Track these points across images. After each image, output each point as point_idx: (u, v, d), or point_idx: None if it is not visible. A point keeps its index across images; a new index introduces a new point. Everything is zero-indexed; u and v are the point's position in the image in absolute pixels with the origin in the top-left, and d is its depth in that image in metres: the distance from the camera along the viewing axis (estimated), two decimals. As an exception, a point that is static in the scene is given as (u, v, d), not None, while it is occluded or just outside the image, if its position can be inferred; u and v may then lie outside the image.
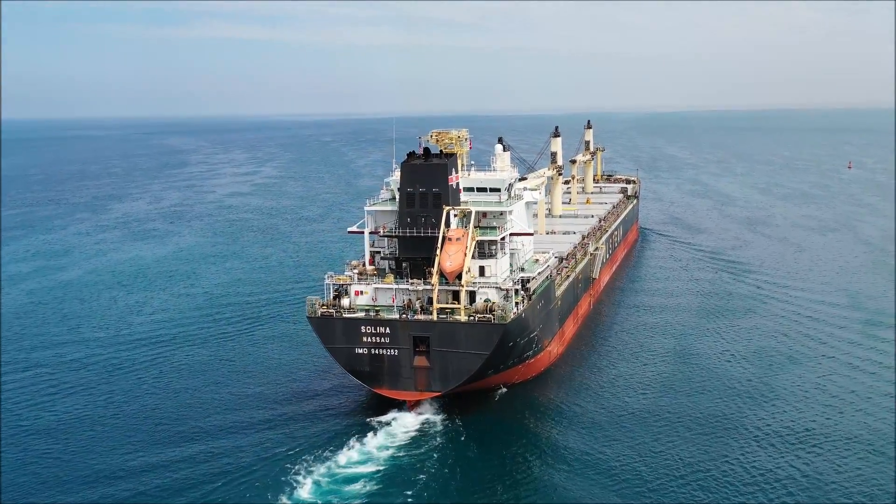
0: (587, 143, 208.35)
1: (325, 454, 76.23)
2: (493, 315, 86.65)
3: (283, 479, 71.75)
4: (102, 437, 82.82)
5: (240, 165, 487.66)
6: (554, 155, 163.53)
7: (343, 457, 75.89)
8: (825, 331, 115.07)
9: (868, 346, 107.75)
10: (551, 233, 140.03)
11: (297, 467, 73.70)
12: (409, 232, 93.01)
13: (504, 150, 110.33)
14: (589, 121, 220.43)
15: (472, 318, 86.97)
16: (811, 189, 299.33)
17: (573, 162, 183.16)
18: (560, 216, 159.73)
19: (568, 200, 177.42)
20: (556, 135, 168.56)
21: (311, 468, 73.54)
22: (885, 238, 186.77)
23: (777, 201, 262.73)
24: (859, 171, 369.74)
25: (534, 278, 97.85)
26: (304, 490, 70.01)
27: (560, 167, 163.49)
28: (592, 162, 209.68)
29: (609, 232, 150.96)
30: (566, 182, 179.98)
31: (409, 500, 69.35)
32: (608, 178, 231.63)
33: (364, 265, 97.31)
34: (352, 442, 78.95)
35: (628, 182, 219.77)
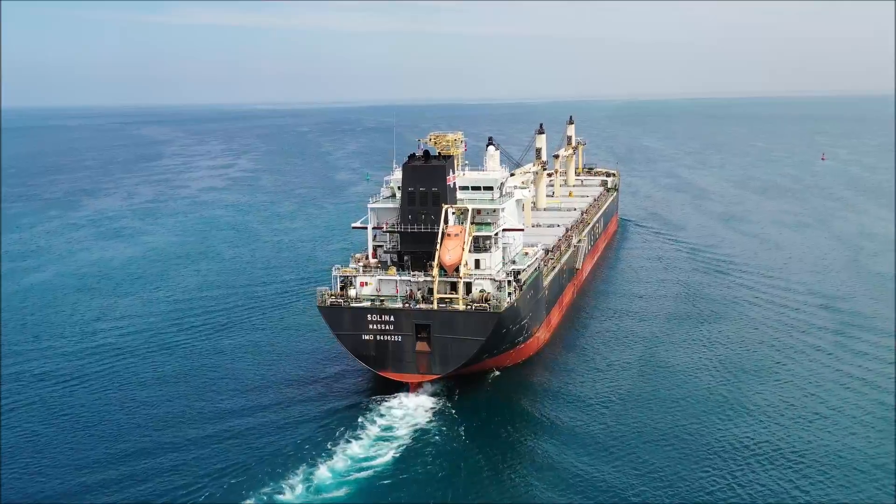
0: (569, 138, 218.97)
1: (334, 433, 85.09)
2: (489, 304, 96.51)
3: (295, 457, 79.86)
4: (112, 420, 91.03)
5: (215, 157, 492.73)
6: (539, 151, 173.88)
7: (351, 435, 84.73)
8: (794, 318, 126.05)
9: (834, 331, 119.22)
10: (536, 226, 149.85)
11: (308, 446, 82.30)
12: (411, 228, 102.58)
13: (495, 150, 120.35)
14: (571, 116, 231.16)
15: (469, 307, 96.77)
16: (786, 182, 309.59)
17: (556, 157, 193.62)
18: (545, 209, 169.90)
19: (551, 193, 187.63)
20: (541, 131, 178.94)
21: (322, 446, 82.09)
22: (860, 235, 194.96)
23: (752, 195, 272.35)
24: (832, 163, 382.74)
25: (524, 270, 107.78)
26: (315, 468, 77.91)
27: (544, 163, 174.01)
28: (574, 156, 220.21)
29: (591, 224, 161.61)
30: (549, 175, 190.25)
31: (413, 474, 77.99)
32: (589, 170, 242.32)
33: (367, 258, 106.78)
34: (359, 421, 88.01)
35: (608, 175, 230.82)
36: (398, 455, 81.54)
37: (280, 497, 73.42)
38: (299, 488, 74.81)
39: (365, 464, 79.51)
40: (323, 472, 77.49)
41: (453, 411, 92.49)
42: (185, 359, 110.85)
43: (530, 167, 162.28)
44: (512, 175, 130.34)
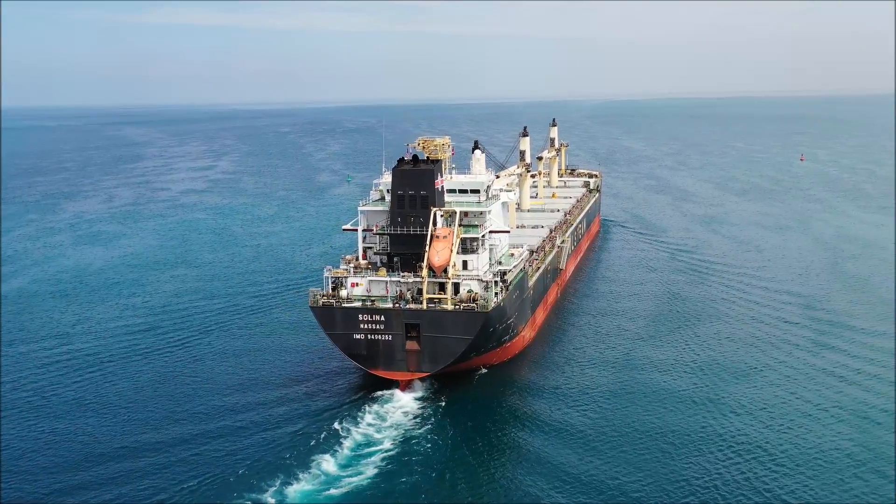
0: (552, 140, 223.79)
1: (327, 430, 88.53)
2: (476, 304, 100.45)
3: (286, 453, 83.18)
4: (108, 419, 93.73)
5: (196, 159, 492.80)
6: (523, 153, 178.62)
7: (343, 432, 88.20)
8: (771, 315, 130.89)
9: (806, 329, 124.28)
10: (521, 227, 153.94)
11: (300, 443, 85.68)
12: (401, 230, 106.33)
13: (481, 153, 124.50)
14: (554, 119, 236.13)
15: (457, 306, 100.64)
16: (766, 183, 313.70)
17: (540, 159, 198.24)
18: (529, 210, 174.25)
19: (535, 195, 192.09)
20: (525, 134, 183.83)
21: (314, 443, 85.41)
22: (839, 237, 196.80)
23: (732, 196, 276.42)
24: (811, 164, 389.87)
25: (510, 271, 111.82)
26: (307, 464, 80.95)
27: (528, 165, 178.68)
28: (557, 158, 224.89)
29: (574, 225, 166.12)
30: (533, 176, 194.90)
31: (403, 471, 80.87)
32: (571, 171, 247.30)
33: (358, 260, 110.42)
34: (350, 418, 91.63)
35: (591, 176, 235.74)
36: (388, 452, 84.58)
37: (266, 496, 75.71)
38: (289, 489, 77.05)
39: (352, 461, 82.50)
40: (315, 470, 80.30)
41: (442, 408, 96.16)
42: (169, 364, 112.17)
43: (514, 169, 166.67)
44: (497, 177, 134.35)
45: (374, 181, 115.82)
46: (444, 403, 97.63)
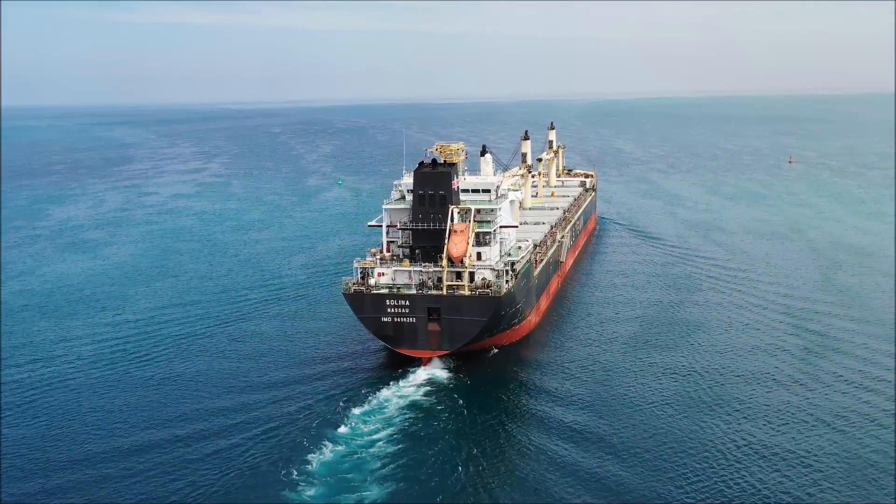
0: (550, 142, 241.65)
1: (360, 398, 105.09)
2: (490, 290, 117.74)
3: (328, 417, 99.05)
4: (151, 394, 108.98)
5: (186, 161, 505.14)
6: (524, 156, 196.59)
7: (374, 400, 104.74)
8: (749, 296, 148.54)
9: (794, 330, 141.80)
10: (524, 223, 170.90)
11: (337, 408, 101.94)
12: (422, 226, 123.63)
13: (490, 157, 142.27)
14: (552, 122, 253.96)
15: (473, 292, 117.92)
16: (756, 187, 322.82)
17: (539, 160, 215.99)
18: (530, 208, 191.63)
19: (535, 194, 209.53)
20: (526, 138, 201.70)
21: (349, 409, 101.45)
22: (835, 246, 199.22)
23: (724, 201, 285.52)
24: (800, 166, 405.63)
25: (518, 261, 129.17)
26: (343, 426, 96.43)
27: (529, 166, 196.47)
28: (555, 159, 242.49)
29: (572, 222, 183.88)
30: (533, 177, 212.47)
31: (426, 438, 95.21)
32: (568, 172, 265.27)
33: (382, 252, 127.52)
34: (381, 388, 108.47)
35: (587, 176, 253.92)
36: (413, 418, 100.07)
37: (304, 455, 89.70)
38: (324, 449, 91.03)
39: (383, 424, 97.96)
40: (346, 431, 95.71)
41: (460, 381, 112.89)
42: (236, 338, 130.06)
43: (517, 170, 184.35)
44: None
45: (395, 182, 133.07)
46: (461, 377, 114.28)
